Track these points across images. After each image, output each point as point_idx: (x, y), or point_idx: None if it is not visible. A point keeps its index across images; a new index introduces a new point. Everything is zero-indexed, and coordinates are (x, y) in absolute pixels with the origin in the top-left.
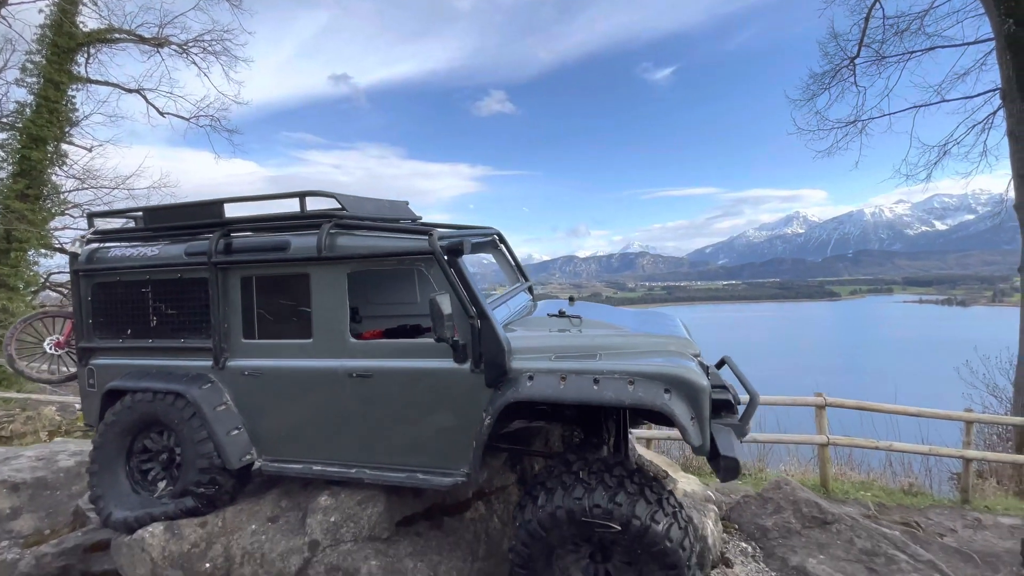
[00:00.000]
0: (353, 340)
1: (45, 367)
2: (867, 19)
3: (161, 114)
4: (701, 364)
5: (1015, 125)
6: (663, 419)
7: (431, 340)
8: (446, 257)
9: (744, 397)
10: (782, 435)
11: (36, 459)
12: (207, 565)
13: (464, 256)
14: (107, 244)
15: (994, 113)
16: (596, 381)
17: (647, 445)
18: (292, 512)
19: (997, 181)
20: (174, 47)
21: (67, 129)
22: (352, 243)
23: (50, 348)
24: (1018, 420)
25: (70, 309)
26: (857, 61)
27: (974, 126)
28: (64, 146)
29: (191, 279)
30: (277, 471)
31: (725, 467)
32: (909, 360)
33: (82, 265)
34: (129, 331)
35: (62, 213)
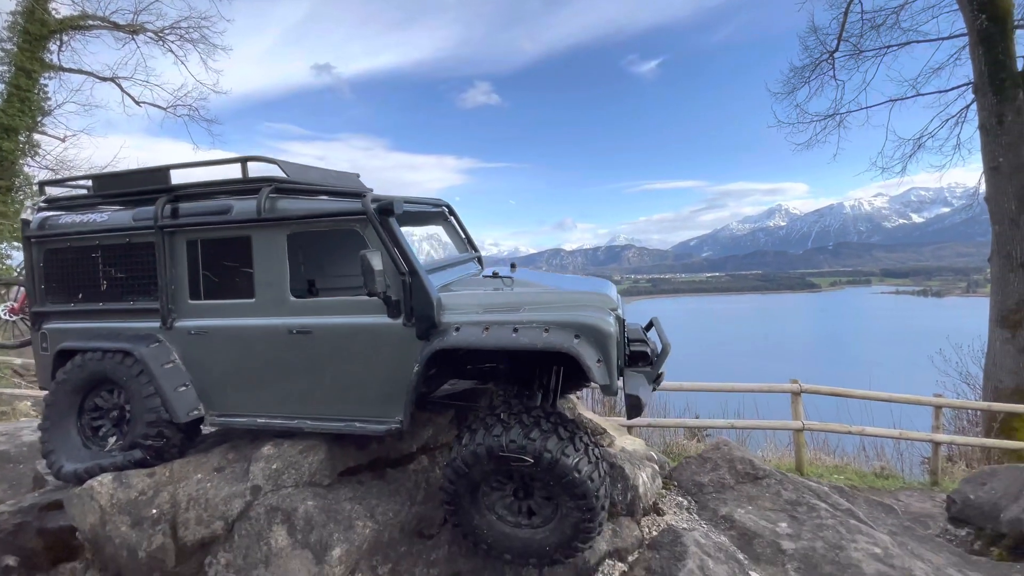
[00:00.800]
0: (293, 299)
1: None
2: (846, 13)
3: (137, 103)
4: (618, 318)
5: (986, 119)
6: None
7: (365, 297)
8: (378, 217)
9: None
10: (760, 421)
11: (0, 434)
12: (153, 511)
13: (397, 218)
14: (58, 212)
15: (967, 107)
16: (515, 330)
17: (628, 431)
18: (238, 463)
19: (971, 174)
20: (150, 34)
21: (39, 119)
22: (291, 206)
23: (4, 314)
24: (984, 405)
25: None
26: (836, 55)
27: (948, 120)
28: (37, 136)
29: (139, 243)
30: (223, 424)
31: (629, 405)
32: (885, 349)
33: (34, 232)
34: (80, 295)
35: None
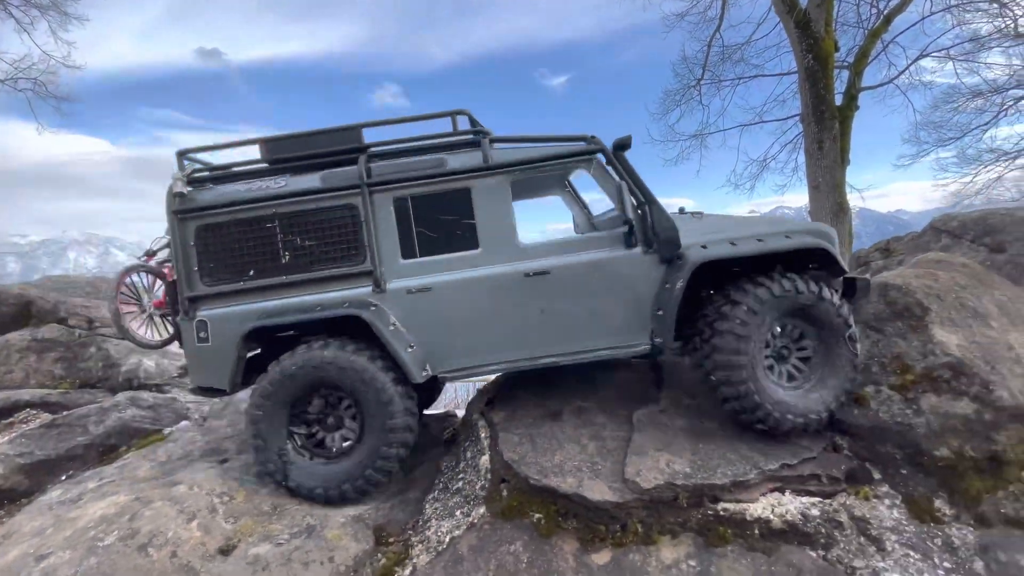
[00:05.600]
0: (524, 243)
1: (142, 329)
2: (709, 46)
3: None
4: None
5: (810, 144)
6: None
7: (599, 234)
8: (614, 152)
9: None
10: None
11: None
12: None
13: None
14: (209, 183)
15: (799, 134)
16: (760, 240)
17: None
18: None
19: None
20: None
21: None
22: (511, 155)
23: (150, 308)
24: None
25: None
26: (702, 83)
27: (786, 144)
28: None
29: (332, 207)
30: (458, 376)
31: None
32: None
33: (188, 206)
34: (252, 272)
35: None
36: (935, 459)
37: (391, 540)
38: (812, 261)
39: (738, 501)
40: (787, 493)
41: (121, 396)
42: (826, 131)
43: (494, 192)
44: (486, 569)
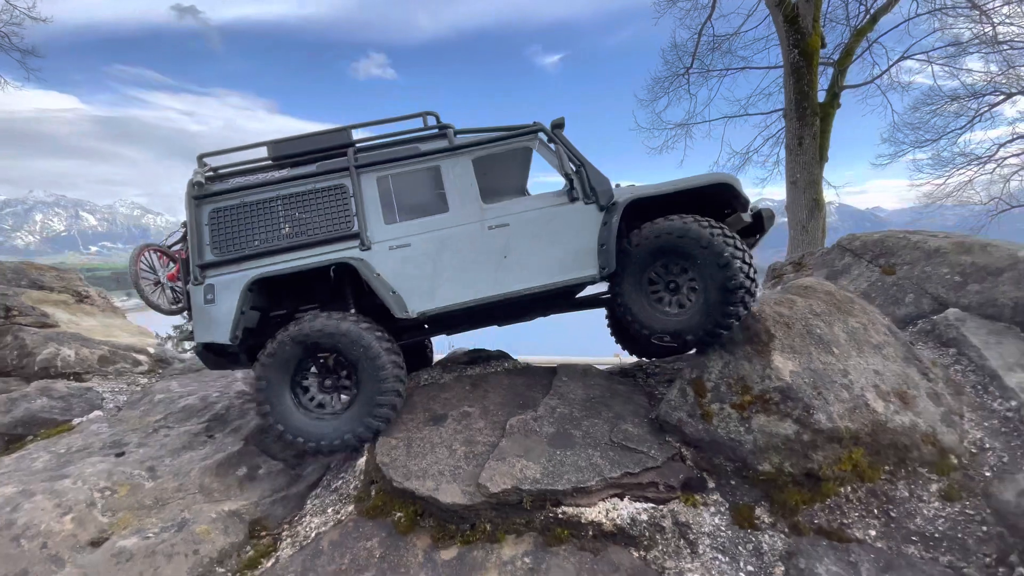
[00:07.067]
0: (485, 204)
1: (156, 295)
2: (699, 34)
3: None
4: None
5: (791, 140)
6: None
7: (553, 192)
8: (552, 130)
9: None
10: None
11: None
12: None
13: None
14: (223, 176)
15: (782, 129)
16: (674, 184)
17: None
18: None
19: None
20: None
21: None
22: (470, 138)
23: (163, 279)
24: None
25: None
26: (691, 71)
27: (769, 138)
28: None
29: (324, 187)
30: (438, 312)
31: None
32: None
33: (207, 191)
34: (257, 241)
35: None
36: (759, 473)
37: (264, 534)
38: (727, 207)
39: (577, 505)
40: (625, 499)
41: (33, 386)
42: (807, 128)
43: (459, 166)
44: (340, 562)
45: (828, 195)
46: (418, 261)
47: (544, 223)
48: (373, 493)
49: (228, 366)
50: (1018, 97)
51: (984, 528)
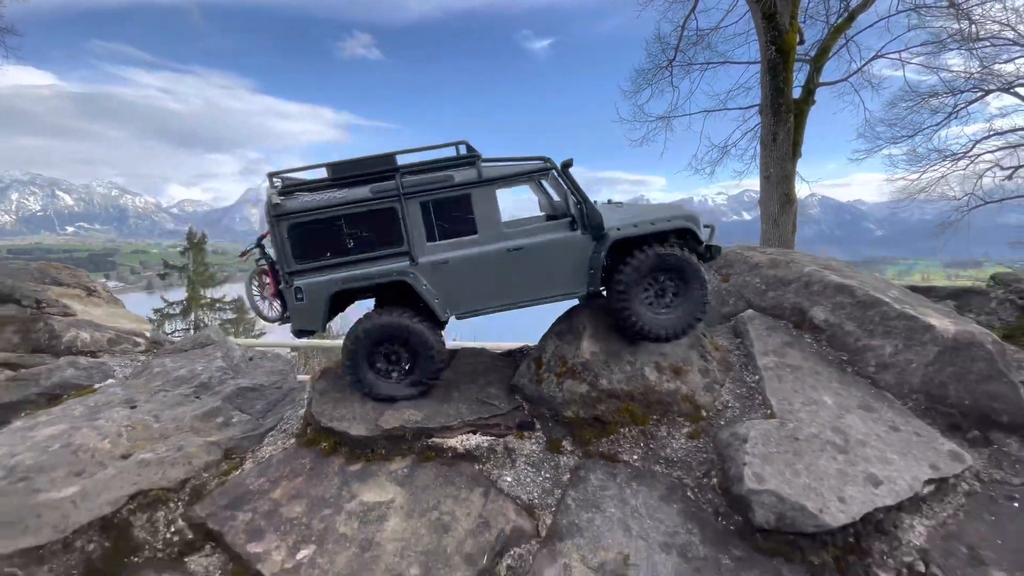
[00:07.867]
0: (506, 229)
1: (265, 307)
2: (683, 27)
3: None
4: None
5: (766, 135)
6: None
7: (559, 222)
8: (561, 168)
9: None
10: None
11: None
12: None
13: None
14: (294, 195)
15: (759, 124)
16: (652, 223)
17: None
18: None
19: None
20: None
21: None
22: (495, 171)
23: (269, 296)
24: None
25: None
26: (674, 64)
27: (747, 133)
28: None
29: (378, 209)
30: (464, 316)
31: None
32: None
33: (284, 211)
34: (328, 254)
35: None
36: (565, 417)
37: (234, 456)
38: (687, 235)
39: (443, 437)
40: (477, 434)
41: (62, 360)
42: (781, 124)
43: (486, 196)
44: (283, 470)
45: (811, 188)
46: (454, 276)
47: (550, 249)
48: (308, 432)
49: (310, 335)
50: (996, 93)
51: (704, 455)
